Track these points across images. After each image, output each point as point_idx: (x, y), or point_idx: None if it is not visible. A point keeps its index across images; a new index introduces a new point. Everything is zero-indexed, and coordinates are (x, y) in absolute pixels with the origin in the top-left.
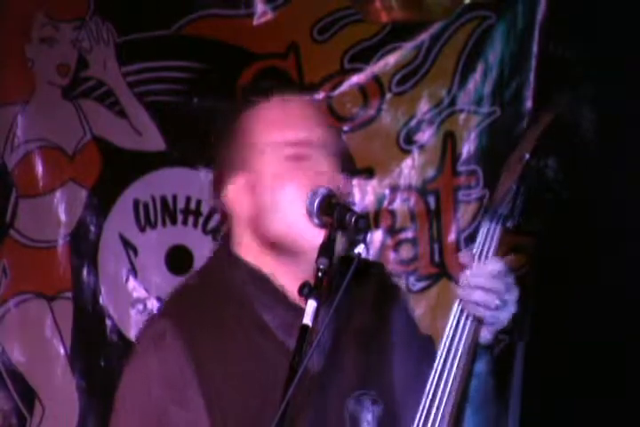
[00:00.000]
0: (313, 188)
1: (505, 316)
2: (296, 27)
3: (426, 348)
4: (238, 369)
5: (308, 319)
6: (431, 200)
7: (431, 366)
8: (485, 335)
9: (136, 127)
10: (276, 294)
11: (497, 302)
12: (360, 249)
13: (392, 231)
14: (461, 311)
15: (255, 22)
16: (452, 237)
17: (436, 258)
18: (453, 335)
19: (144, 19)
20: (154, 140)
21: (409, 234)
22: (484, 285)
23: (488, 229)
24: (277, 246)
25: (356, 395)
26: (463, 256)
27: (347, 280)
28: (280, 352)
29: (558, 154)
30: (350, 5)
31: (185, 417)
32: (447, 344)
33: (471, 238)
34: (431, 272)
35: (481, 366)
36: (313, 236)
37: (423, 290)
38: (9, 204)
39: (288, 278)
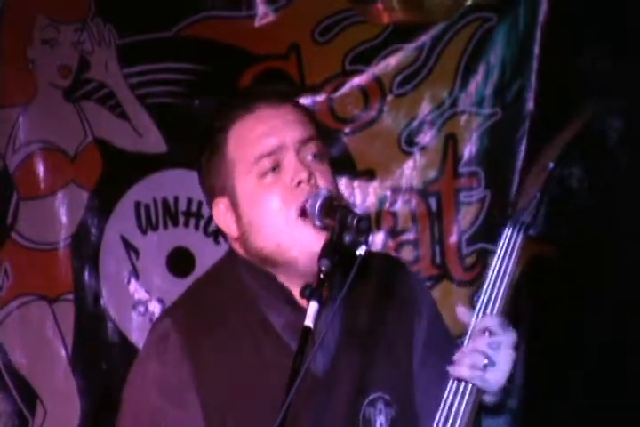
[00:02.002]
0: (290, 197)
1: (496, 377)
2: (297, 28)
3: (449, 347)
4: (240, 371)
5: (309, 321)
6: (432, 202)
7: None
8: (486, 397)
9: (137, 129)
10: (282, 293)
11: (484, 360)
12: (362, 251)
13: (393, 233)
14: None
15: (256, 24)
16: (453, 238)
17: (438, 260)
18: (453, 400)
19: (145, 20)
20: (155, 142)
21: (410, 236)
22: (468, 348)
23: (510, 237)
24: (270, 261)
25: (370, 398)
26: (462, 314)
27: (348, 283)
28: (284, 354)
29: (583, 163)
30: (351, 7)
31: (182, 419)
32: (447, 407)
33: (472, 240)
34: (432, 274)
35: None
36: (304, 242)
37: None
38: (10, 206)
39: (290, 282)
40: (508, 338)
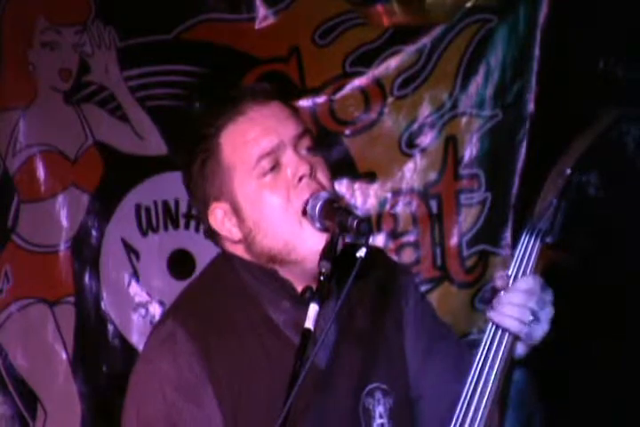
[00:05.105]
0: (294, 194)
1: (538, 333)
2: (298, 31)
3: (439, 327)
4: (247, 367)
5: (309, 323)
6: (433, 204)
7: (450, 346)
8: (519, 350)
9: (138, 132)
10: (282, 288)
11: (530, 317)
12: (362, 253)
13: (394, 235)
14: (497, 326)
15: (257, 26)
16: (454, 240)
17: (438, 262)
18: (489, 348)
19: (145, 23)
20: (155, 145)
21: (411, 238)
22: (516, 301)
23: (527, 244)
24: (278, 260)
25: (368, 389)
26: (499, 279)
27: (348, 285)
28: (287, 349)
29: (601, 170)
30: (352, 9)
31: (200, 416)
32: (483, 356)
33: (473, 242)
34: (433, 276)
35: (516, 376)
36: (311, 242)
37: (425, 293)
38: (11, 209)
39: (295, 278)
40: (549, 297)
